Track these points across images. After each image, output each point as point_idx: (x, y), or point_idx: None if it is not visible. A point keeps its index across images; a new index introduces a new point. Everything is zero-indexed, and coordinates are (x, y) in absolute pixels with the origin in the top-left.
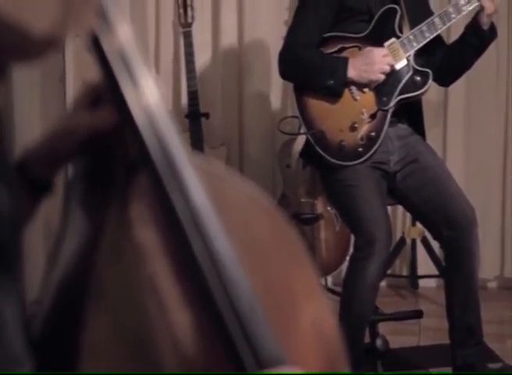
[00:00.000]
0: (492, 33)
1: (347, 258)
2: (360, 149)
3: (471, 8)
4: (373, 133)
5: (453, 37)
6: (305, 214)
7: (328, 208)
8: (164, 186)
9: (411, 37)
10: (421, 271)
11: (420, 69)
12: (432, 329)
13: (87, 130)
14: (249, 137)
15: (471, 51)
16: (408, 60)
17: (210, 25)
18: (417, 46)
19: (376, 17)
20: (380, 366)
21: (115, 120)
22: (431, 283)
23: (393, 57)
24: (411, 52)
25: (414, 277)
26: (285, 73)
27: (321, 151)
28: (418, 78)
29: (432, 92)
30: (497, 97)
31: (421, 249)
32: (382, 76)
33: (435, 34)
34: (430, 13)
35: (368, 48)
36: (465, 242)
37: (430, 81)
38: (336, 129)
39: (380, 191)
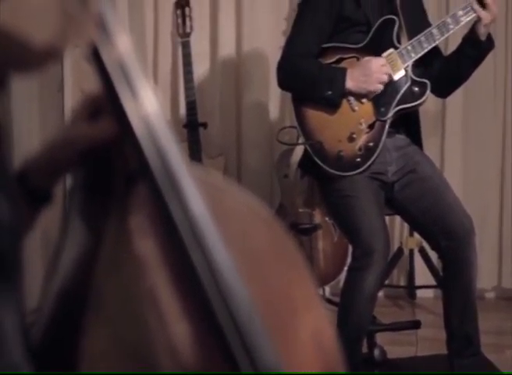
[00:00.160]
0: (489, 43)
1: (345, 268)
2: (359, 159)
3: (468, 19)
4: (371, 144)
5: (450, 48)
6: (303, 224)
7: (326, 218)
8: (163, 196)
9: (409, 47)
10: (418, 281)
11: (418, 79)
12: (429, 339)
13: (87, 141)
14: (247, 147)
15: (469, 62)
16: (406, 71)
17: (208, 35)
18: (415, 57)
19: (374, 28)
20: None
21: (114, 131)
22: (428, 293)
23: (391, 67)
24: (409, 63)
25: (411, 288)
26: (283, 84)
27: (319, 162)
28: (416, 89)
29: (429, 103)
30: (495, 107)
31: (418, 259)
32: (381, 87)
33: (433, 45)
34: (428, 24)
35: (366, 59)
36: (463, 252)
37: (428, 92)
38: (335, 139)
39: (378, 202)
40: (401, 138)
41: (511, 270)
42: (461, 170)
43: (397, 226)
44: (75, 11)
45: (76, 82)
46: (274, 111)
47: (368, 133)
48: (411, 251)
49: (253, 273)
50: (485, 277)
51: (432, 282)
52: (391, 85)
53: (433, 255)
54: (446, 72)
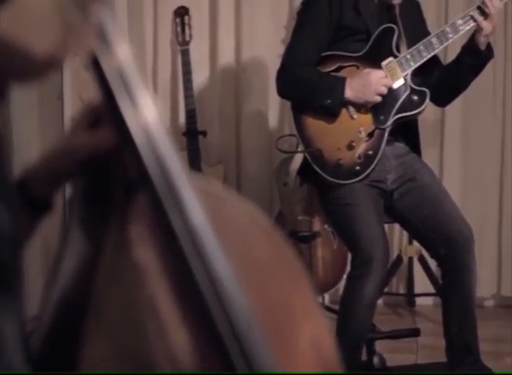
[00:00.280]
0: (489, 52)
1: (344, 276)
2: (358, 168)
3: (468, 28)
4: (370, 152)
5: (449, 57)
6: (302, 232)
7: (326, 226)
8: (162, 205)
9: (409, 56)
10: (418, 289)
11: (417, 88)
12: (428, 347)
13: (87, 151)
14: (246, 155)
15: (468, 71)
16: (405, 79)
17: (208, 43)
18: (414, 65)
19: (374, 36)
20: None
21: (114, 140)
22: (428, 301)
23: (391, 76)
24: (409, 72)
25: (411, 295)
26: (283, 92)
27: (318, 170)
28: (416, 97)
29: (428, 111)
30: (494, 116)
31: (418, 267)
32: (379, 98)
33: (432, 54)
34: (427, 33)
35: (367, 70)
36: (462, 260)
37: (427, 100)
38: (334, 147)
39: (377, 210)
40: (400, 146)
41: (510, 278)
42: (460, 178)
43: (396, 234)
44: (75, 20)
45: (75, 90)
46: (273, 119)
47: (367, 141)
48: (410, 259)
49: (252, 282)
50: (485, 285)
51: (432, 290)
52: (390, 94)
53: (432, 263)
54: (445, 81)
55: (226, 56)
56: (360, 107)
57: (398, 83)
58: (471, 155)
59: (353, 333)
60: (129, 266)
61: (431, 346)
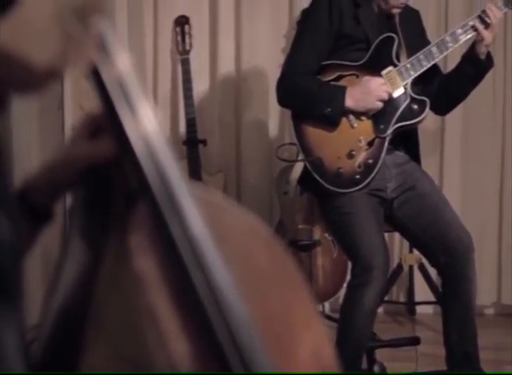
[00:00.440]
0: (488, 62)
1: (345, 284)
2: (358, 176)
3: (468, 38)
4: (370, 161)
5: (449, 66)
6: (302, 241)
7: (326, 234)
8: (162, 215)
9: (408, 65)
10: (418, 298)
11: (417, 97)
12: (429, 355)
13: (87, 160)
14: (247, 164)
15: (468, 81)
16: (405, 88)
17: (208, 52)
18: (414, 74)
19: (374, 45)
20: None
21: (114, 150)
22: (428, 309)
23: (391, 85)
24: (408, 81)
25: (411, 304)
26: (283, 101)
27: (318, 178)
28: (416, 106)
29: (428, 120)
30: (494, 125)
31: (418, 276)
32: (380, 104)
33: (432, 63)
34: (427, 42)
35: (366, 78)
36: (462, 269)
37: (427, 109)
38: (334, 156)
39: (377, 219)
40: (400, 155)
41: (511, 286)
42: (460, 187)
43: (397, 242)
44: (75, 31)
45: (76, 100)
46: (273, 128)
47: (367, 150)
48: (411, 268)
49: (252, 291)
50: (485, 294)
51: (432, 298)
52: (390, 103)
53: (433, 272)
54: (445, 90)
55: (226, 65)
56: (361, 115)
57: (398, 92)
58: (471, 162)
59: (354, 341)
60: (129, 276)
61: (431, 354)
